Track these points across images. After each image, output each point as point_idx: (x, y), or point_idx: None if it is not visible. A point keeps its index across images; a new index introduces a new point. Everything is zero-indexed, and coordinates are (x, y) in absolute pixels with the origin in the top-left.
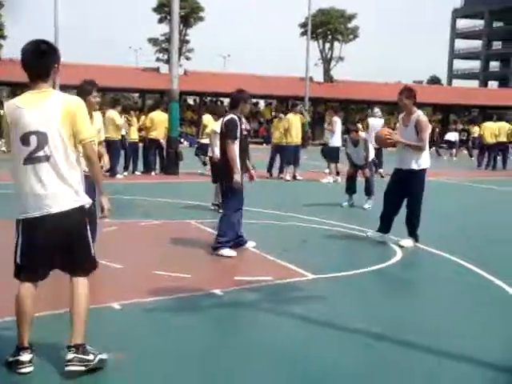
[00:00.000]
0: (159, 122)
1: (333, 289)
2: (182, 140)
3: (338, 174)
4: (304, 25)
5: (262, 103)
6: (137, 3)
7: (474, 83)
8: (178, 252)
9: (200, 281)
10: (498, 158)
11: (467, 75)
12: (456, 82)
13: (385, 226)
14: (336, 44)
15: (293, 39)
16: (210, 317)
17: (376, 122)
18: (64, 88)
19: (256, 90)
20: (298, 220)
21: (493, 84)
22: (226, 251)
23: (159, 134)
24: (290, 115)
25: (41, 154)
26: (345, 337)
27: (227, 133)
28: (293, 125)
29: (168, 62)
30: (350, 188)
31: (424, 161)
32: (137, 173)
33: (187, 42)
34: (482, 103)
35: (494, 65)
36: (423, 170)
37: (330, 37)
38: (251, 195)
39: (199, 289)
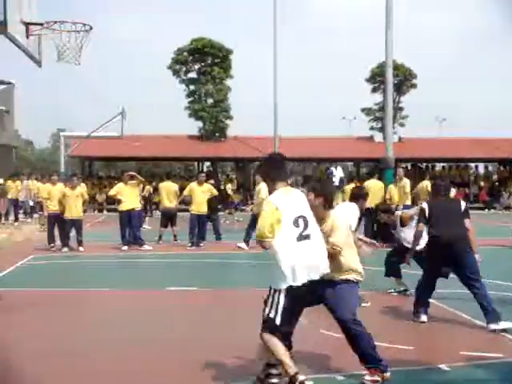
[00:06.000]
0: (377, 190)
1: None
2: None
3: None
4: None
5: (481, 168)
6: (349, 75)
7: None
8: (396, 322)
9: (423, 353)
10: None
11: None
12: None
13: None
14: None
15: None
16: None
17: None
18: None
19: (475, 154)
20: None
21: None
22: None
23: (372, 201)
24: None
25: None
26: None
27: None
28: None
29: (382, 130)
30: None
31: None
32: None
33: (401, 109)
34: None
35: None
36: None
37: None
38: None
39: (423, 362)
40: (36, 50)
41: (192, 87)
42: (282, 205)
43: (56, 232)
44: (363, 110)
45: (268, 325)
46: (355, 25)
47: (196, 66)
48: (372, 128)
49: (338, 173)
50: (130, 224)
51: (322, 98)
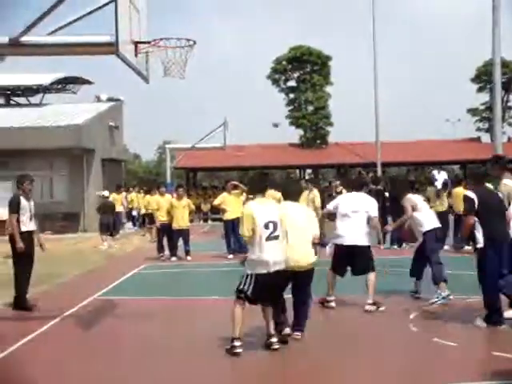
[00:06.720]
0: None
1: None
2: None
3: None
4: None
5: None
6: (452, 76)
7: None
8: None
9: None
10: None
11: None
12: None
13: None
14: None
15: None
16: None
17: None
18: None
19: None
20: None
21: None
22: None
23: None
24: None
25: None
26: None
27: None
28: None
29: (489, 130)
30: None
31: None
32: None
33: (510, 108)
34: None
35: None
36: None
37: None
38: None
39: None
40: (143, 66)
41: (292, 95)
42: (256, 211)
43: (165, 242)
44: (469, 110)
45: (242, 295)
46: (458, 22)
47: (295, 75)
48: (478, 129)
49: (440, 176)
50: (234, 233)
51: (424, 100)
